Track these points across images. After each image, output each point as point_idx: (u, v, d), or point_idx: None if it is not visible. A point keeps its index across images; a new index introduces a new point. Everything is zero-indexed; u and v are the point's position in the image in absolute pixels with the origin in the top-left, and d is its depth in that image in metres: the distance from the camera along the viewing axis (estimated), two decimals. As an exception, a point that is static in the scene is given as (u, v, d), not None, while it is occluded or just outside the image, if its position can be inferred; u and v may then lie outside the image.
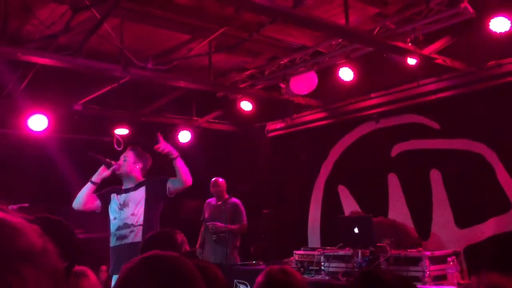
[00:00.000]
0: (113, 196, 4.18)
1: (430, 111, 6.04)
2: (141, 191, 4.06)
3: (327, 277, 4.92)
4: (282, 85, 6.14)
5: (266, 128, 8.01)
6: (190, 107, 7.62)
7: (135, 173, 4.20)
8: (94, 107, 6.71)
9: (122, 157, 4.25)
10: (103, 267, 6.70)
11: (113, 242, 4.05)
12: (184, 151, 7.77)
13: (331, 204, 7.13)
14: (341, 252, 4.98)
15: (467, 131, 5.60)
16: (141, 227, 3.94)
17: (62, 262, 1.08)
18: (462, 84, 5.62)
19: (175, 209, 7.33)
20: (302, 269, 5.26)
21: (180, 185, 4.06)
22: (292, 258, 5.57)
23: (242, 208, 6.30)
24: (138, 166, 4.22)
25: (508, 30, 4.58)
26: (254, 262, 5.99)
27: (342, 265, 4.91)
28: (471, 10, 4.26)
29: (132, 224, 3.96)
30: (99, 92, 6.23)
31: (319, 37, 5.39)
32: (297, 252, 5.51)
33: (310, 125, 7.41)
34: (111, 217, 4.12)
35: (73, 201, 4.24)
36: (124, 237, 3.97)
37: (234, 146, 8.30)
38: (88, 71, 5.24)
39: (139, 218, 3.96)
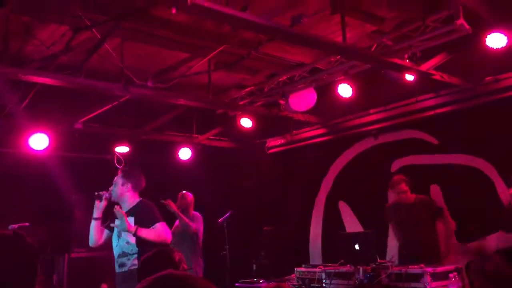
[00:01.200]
0: (116, 221, 4.17)
1: (429, 126, 6.07)
2: (131, 221, 3.95)
3: (328, 294, 4.90)
4: (282, 102, 6.17)
5: (266, 144, 8.03)
6: (190, 124, 7.65)
7: (126, 195, 4.10)
8: (94, 126, 6.74)
9: (113, 182, 4.18)
10: (104, 286, 6.66)
11: (116, 268, 4.04)
12: (185, 168, 7.84)
13: (332, 220, 7.12)
14: (343, 269, 4.95)
15: (466, 146, 5.62)
16: (136, 255, 3.90)
17: None
18: (460, 100, 5.66)
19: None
20: (303, 286, 5.23)
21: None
22: (293, 275, 5.54)
23: (201, 218, 6.20)
24: (128, 186, 4.11)
25: (505, 46, 4.63)
26: (255, 280, 5.95)
27: (344, 282, 4.88)
28: (467, 26, 4.30)
29: (128, 253, 3.94)
30: (100, 111, 6.27)
31: (317, 54, 5.43)
32: (298, 269, 5.49)
33: (310, 142, 7.43)
34: (114, 243, 4.12)
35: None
36: (123, 265, 3.96)
37: (235, 163, 8.31)
38: (89, 90, 5.28)
39: (133, 247, 3.93)
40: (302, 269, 5.47)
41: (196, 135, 7.74)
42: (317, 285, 5.14)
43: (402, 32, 4.73)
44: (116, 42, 4.86)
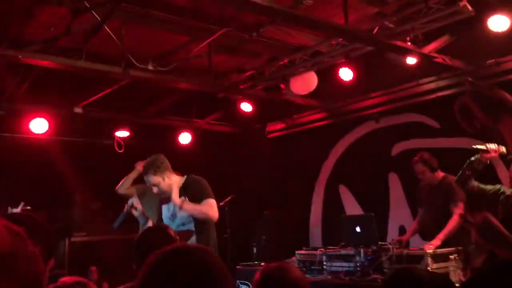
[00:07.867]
0: (164, 207, 4.17)
1: (430, 110, 6.06)
2: (184, 199, 4.00)
3: (329, 277, 4.92)
4: (282, 86, 6.15)
5: (266, 129, 8.01)
6: (190, 108, 7.64)
7: (172, 183, 4.05)
8: (94, 110, 6.72)
9: (152, 187, 4.05)
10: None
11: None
12: (184, 152, 7.83)
13: (332, 204, 7.14)
14: (343, 252, 4.97)
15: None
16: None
17: (44, 267, 1.03)
18: (461, 83, 5.62)
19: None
20: (304, 269, 5.25)
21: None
22: (293, 258, 5.56)
23: None
24: (169, 176, 4.05)
25: (507, 29, 4.60)
26: (256, 263, 5.98)
27: (345, 264, 4.90)
28: (470, 8, 4.28)
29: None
30: (100, 95, 6.24)
31: (318, 37, 5.40)
32: (299, 252, 5.51)
33: (311, 126, 7.42)
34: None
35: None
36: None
37: (235, 147, 8.30)
38: (89, 73, 5.25)
39: (190, 227, 4.02)
40: (303, 252, 5.49)
41: (196, 120, 7.73)
42: (318, 267, 5.16)
43: (404, 14, 4.70)
44: (116, 24, 4.81)
